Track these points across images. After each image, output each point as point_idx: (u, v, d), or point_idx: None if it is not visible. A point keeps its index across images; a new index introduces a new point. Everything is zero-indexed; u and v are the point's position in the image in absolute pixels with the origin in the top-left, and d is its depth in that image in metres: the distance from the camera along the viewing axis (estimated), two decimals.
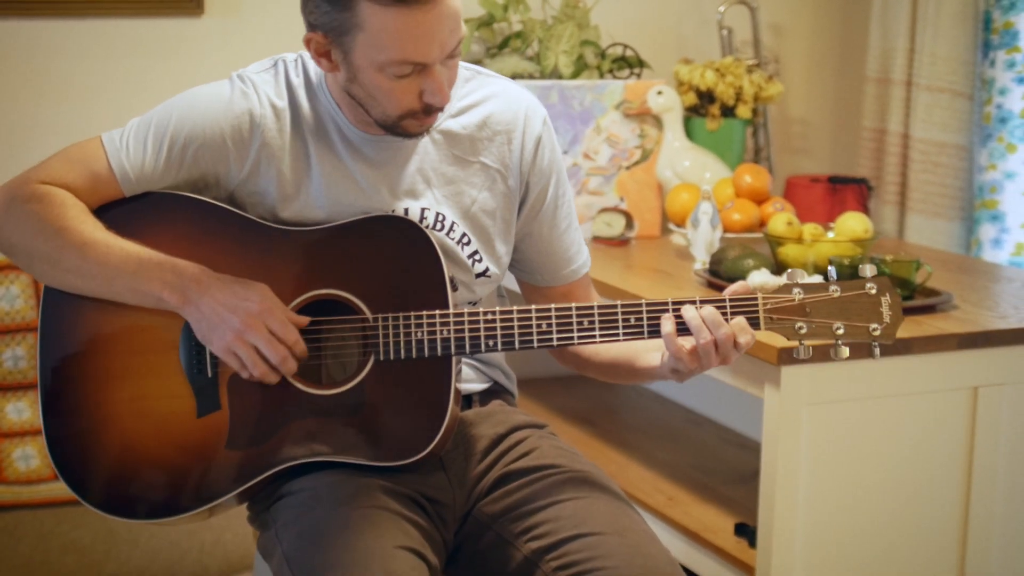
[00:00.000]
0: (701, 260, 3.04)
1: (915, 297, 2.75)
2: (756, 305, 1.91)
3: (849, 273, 2.71)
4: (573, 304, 1.94)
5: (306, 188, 2.01)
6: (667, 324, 1.90)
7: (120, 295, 1.95)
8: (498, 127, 2.08)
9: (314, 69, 2.04)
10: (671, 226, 3.41)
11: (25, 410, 3.19)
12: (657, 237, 3.47)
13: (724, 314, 1.90)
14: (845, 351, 1.92)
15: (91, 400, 1.99)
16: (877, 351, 1.93)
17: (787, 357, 2.45)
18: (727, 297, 1.91)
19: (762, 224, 3.29)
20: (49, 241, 1.95)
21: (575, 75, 3.51)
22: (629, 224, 3.39)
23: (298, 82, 2.03)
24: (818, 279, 2.70)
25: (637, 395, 3.75)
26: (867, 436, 2.61)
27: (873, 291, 1.93)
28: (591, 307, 1.93)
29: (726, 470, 3.16)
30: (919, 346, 2.56)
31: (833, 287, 1.93)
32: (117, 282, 1.94)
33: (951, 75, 3.51)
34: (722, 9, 3.73)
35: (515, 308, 1.94)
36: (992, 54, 3.52)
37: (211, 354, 1.97)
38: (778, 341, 2.44)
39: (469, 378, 2.15)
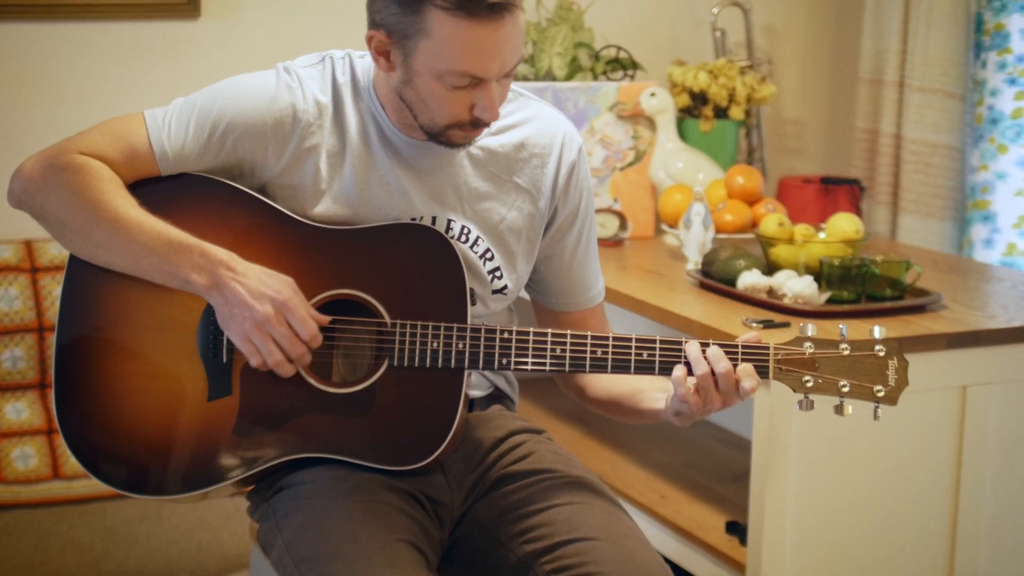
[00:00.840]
0: (693, 261, 3.06)
1: (905, 297, 2.77)
2: (767, 355, 1.93)
3: (840, 274, 2.75)
4: (589, 333, 1.96)
5: (338, 186, 2.02)
6: (678, 369, 1.92)
7: (148, 273, 1.96)
8: (535, 149, 2.10)
9: (361, 68, 2.05)
10: (664, 227, 3.43)
11: (24, 410, 3.21)
12: (651, 238, 3.49)
13: (734, 360, 1.92)
14: (850, 409, 1.94)
15: (104, 371, 2.00)
16: (878, 412, 1.96)
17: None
18: (740, 344, 1.93)
19: (754, 225, 3.31)
20: (82, 213, 1.95)
21: (569, 77, 3.53)
22: (623, 225, 3.41)
23: (344, 80, 2.04)
24: (808, 280, 2.74)
25: None
26: (856, 435, 2.63)
27: (882, 353, 1.95)
28: (606, 338, 1.95)
29: (719, 469, 3.18)
30: (908, 346, 2.56)
31: (844, 345, 1.95)
32: (146, 260, 1.95)
33: (943, 76, 3.53)
34: (715, 11, 3.75)
35: (531, 330, 1.96)
36: (984, 55, 3.55)
37: (228, 340, 1.98)
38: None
39: (472, 383, 2.16)
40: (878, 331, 1.96)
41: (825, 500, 2.63)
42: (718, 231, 3.28)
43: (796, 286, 2.72)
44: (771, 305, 2.72)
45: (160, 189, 2.02)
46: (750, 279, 2.80)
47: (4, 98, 3.35)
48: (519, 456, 2.10)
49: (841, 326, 1.99)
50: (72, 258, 2.03)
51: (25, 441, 3.18)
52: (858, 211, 3.54)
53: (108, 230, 1.95)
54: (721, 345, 1.92)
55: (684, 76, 3.57)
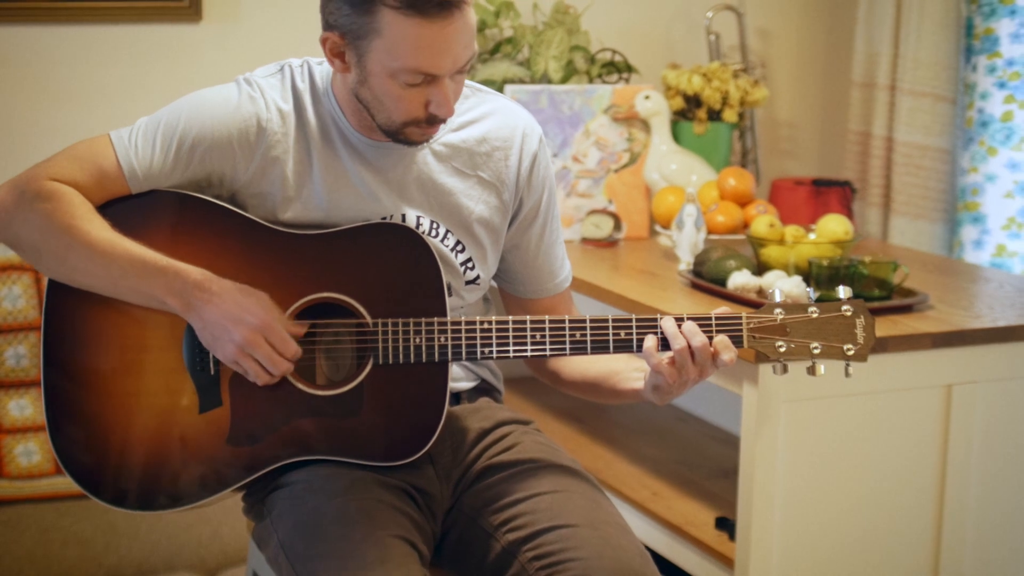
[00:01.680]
0: (685, 261, 3.08)
1: (893, 297, 2.80)
2: (740, 324, 1.99)
3: (828, 275, 2.78)
4: (567, 317, 2.00)
5: (308, 191, 2.05)
6: (649, 340, 1.96)
7: (125, 295, 1.99)
8: (496, 143, 2.13)
9: (319, 75, 2.08)
10: (657, 228, 3.45)
11: (27, 407, 3.22)
12: (645, 238, 3.52)
13: (708, 331, 1.97)
14: (822, 368, 2.00)
15: (93, 394, 2.02)
16: (849, 370, 2.01)
17: (764, 356, 2.51)
18: (712, 315, 1.98)
19: (745, 226, 3.34)
20: (57, 239, 1.97)
21: (565, 80, 3.56)
22: (617, 226, 3.45)
23: (303, 87, 2.07)
24: (797, 280, 2.76)
25: None
26: (843, 432, 2.66)
27: (849, 313, 2.02)
28: (583, 321, 1.99)
29: (709, 465, 3.20)
30: (894, 345, 2.61)
31: (812, 308, 2.01)
32: (122, 283, 1.97)
33: (934, 80, 3.55)
34: (710, 15, 3.78)
35: (511, 318, 2.00)
36: (974, 59, 3.57)
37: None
38: None
39: (458, 376, 2.20)
40: (843, 291, 2.02)
41: (812, 497, 2.66)
42: (710, 232, 3.31)
43: (785, 286, 2.74)
44: (760, 305, 2.73)
45: (132, 207, 2.04)
46: (740, 279, 2.83)
47: (8, 99, 3.36)
48: (504, 447, 2.14)
49: (808, 289, 2.05)
50: (50, 285, 2.03)
51: (28, 437, 3.20)
52: (849, 212, 3.57)
53: (83, 255, 1.97)
54: (695, 318, 1.97)
55: (678, 79, 3.59)
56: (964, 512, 2.75)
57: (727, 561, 2.72)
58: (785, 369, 2.01)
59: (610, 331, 1.99)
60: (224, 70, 3.36)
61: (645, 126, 3.52)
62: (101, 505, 3.07)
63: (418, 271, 2.01)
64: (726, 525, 2.81)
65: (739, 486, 2.64)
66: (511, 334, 2.00)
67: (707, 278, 2.92)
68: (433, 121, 1.99)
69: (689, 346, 1.95)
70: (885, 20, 3.64)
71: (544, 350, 2.00)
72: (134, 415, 2.03)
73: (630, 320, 1.99)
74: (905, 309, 2.77)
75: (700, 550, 2.80)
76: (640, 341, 1.98)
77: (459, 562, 2.11)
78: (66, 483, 3.16)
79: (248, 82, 2.07)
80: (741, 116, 3.69)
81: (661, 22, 3.88)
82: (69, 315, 2.03)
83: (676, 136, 3.59)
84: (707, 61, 3.82)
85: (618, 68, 3.67)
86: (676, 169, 3.50)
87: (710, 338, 1.96)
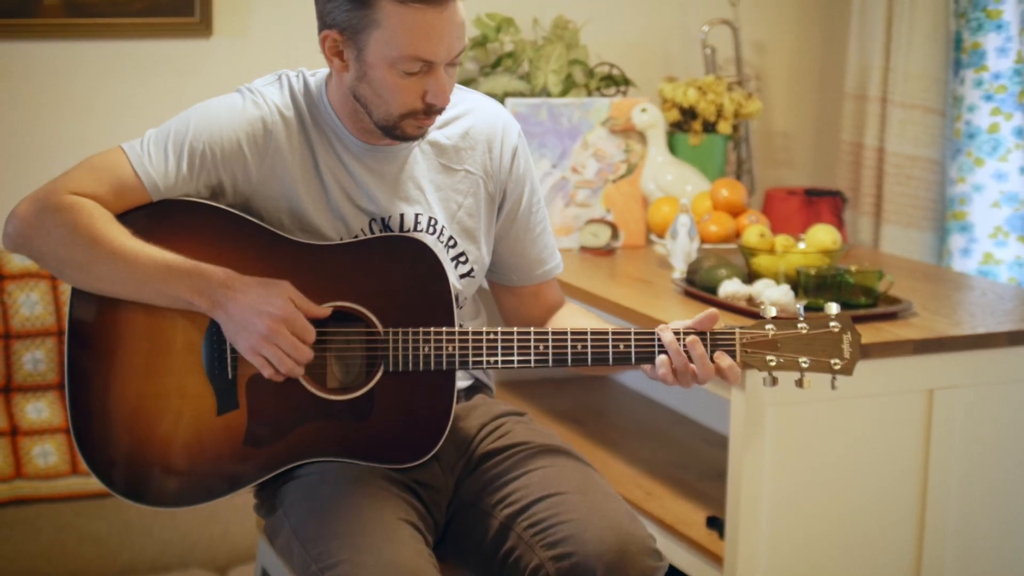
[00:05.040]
0: (679, 269, 3.15)
1: (878, 305, 2.86)
2: (734, 339, 2.07)
3: (816, 283, 2.84)
4: (568, 329, 2.07)
5: (316, 192, 2.12)
6: (662, 367, 2.05)
7: (150, 299, 2.03)
8: (479, 137, 2.21)
9: (314, 83, 2.15)
10: (653, 237, 3.51)
11: (44, 410, 3.27)
12: (642, 247, 3.58)
13: (705, 344, 2.05)
14: (809, 382, 2.08)
15: (114, 395, 2.07)
16: (835, 383, 2.09)
17: (756, 368, 2.58)
18: (708, 332, 2.06)
19: (737, 235, 3.39)
20: (80, 251, 2.01)
21: (564, 93, 3.62)
22: (615, 234, 3.50)
23: (300, 95, 2.14)
24: (785, 288, 2.83)
25: (623, 396, 3.82)
26: (828, 435, 2.72)
27: (836, 329, 2.09)
28: (584, 333, 2.07)
29: (701, 467, 3.25)
30: (877, 351, 2.66)
31: (801, 324, 2.09)
32: (147, 288, 2.02)
33: (923, 92, 3.58)
34: (706, 29, 3.82)
35: (515, 329, 2.07)
36: (962, 73, 3.60)
37: (231, 357, 2.06)
38: None
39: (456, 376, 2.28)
40: (832, 307, 2.10)
41: (798, 497, 2.71)
42: (703, 241, 3.37)
43: (774, 294, 2.82)
44: (750, 312, 2.81)
45: (149, 216, 2.08)
46: (730, 287, 2.89)
47: (28, 114, 3.41)
48: (500, 435, 2.21)
49: (798, 305, 2.12)
50: (74, 291, 2.08)
51: (45, 439, 3.25)
52: (840, 222, 3.62)
53: (108, 264, 2.02)
54: (692, 333, 2.06)
55: (674, 92, 3.65)
56: (946, 510, 2.80)
57: (717, 558, 2.78)
58: (775, 381, 2.08)
59: (609, 344, 2.07)
60: (234, 83, 3.34)
61: (642, 138, 3.58)
62: (116, 504, 3.21)
63: (428, 283, 2.08)
64: (716, 524, 2.86)
65: (728, 486, 2.71)
66: (516, 345, 2.07)
67: (699, 286, 2.98)
68: (430, 112, 2.06)
69: (689, 359, 2.04)
70: (876, 34, 3.68)
71: (546, 361, 2.08)
72: (154, 416, 2.08)
73: (629, 333, 2.07)
74: (890, 316, 2.83)
75: (691, 548, 2.86)
76: (639, 354, 2.06)
77: (461, 547, 2.17)
78: (82, 483, 3.21)
79: (250, 90, 2.14)
80: (735, 128, 3.75)
81: (658, 36, 3.93)
82: (92, 320, 2.08)
83: (672, 147, 3.65)
84: (703, 74, 3.87)
85: (616, 81, 3.74)
86: (672, 180, 3.56)
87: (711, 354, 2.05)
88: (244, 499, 3.22)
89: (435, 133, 2.19)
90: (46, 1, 3.35)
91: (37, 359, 3.29)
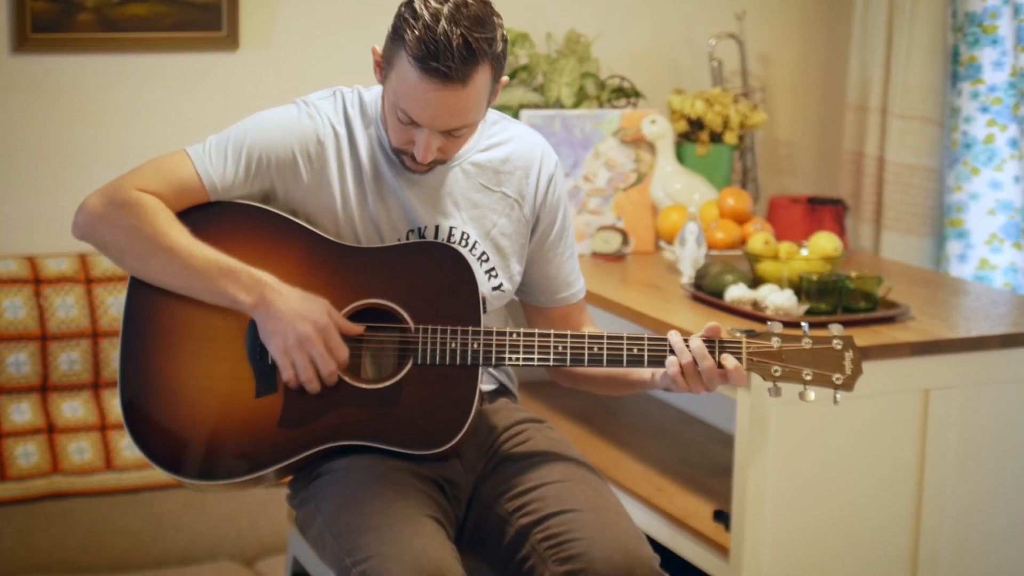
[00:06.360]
0: (687, 275, 3.23)
1: (877, 309, 2.93)
2: (740, 348, 2.17)
3: (818, 289, 2.90)
4: (586, 332, 2.18)
5: (359, 202, 2.24)
6: (672, 366, 2.16)
7: (200, 294, 2.17)
8: (518, 163, 2.32)
9: (368, 100, 2.27)
10: (662, 243, 3.58)
11: (79, 408, 3.33)
12: (651, 253, 3.63)
13: (713, 352, 2.16)
14: (812, 395, 2.17)
15: (163, 374, 2.20)
16: (837, 397, 2.19)
17: (760, 376, 2.63)
18: (717, 341, 2.17)
19: (743, 242, 3.46)
20: (140, 243, 2.15)
21: (576, 105, 3.69)
22: (625, 241, 3.57)
23: (354, 113, 2.26)
24: (789, 293, 2.91)
25: (633, 397, 3.82)
26: (829, 432, 2.79)
27: (839, 347, 2.18)
28: (600, 336, 2.18)
29: (708, 464, 3.30)
30: (876, 353, 2.74)
31: (806, 339, 2.18)
32: (198, 284, 2.16)
33: (922, 104, 3.64)
34: (713, 42, 3.88)
35: (536, 331, 2.19)
36: (959, 85, 3.66)
37: None
38: None
39: (482, 379, 2.37)
40: (835, 328, 2.19)
41: (800, 492, 2.79)
42: (710, 248, 3.44)
43: (777, 299, 2.90)
44: (755, 316, 2.88)
45: (207, 217, 2.22)
46: (736, 292, 2.97)
47: (64, 122, 3.46)
48: (519, 442, 2.31)
49: (803, 324, 2.21)
50: (132, 280, 2.22)
51: (81, 436, 3.31)
52: (842, 228, 3.68)
53: (164, 257, 2.16)
54: (705, 341, 2.15)
55: (682, 104, 3.71)
56: (941, 504, 2.87)
57: (723, 550, 2.84)
58: (779, 392, 2.17)
59: (624, 347, 2.18)
60: (260, 94, 3.55)
61: (651, 148, 3.64)
62: (149, 499, 3.30)
63: (458, 285, 2.20)
64: (723, 517, 2.93)
65: (734, 482, 2.78)
66: (536, 345, 2.18)
67: (706, 291, 3.06)
68: (414, 159, 2.18)
69: (695, 363, 2.14)
70: (877, 48, 3.74)
71: (564, 361, 2.18)
72: (198, 397, 2.19)
73: (642, 339, 2.18)
74: (888, 320, 2.91)
75: (699, 540, 2.93)
76: (651, 357, 2.17)
77: (478, 545, 2.28)
78: (116, 478, 3.29)
79: (306, 103, 2.26)
80: (741, 138, 3.80)
81: (666, 49, 3.98)
82: (146, 307, 2.21)
83: (680, 157, 3.70)
84: (710, 86, 3.91)
85: (626, 93, 3.79)
86: (680, 188, 3.62)
87: (717, 362, 2.15)
88: (270, 494, 3.34)
89: (478, 156, 2.29)
90: (81, 16, 3.41)
91: (72, 360, 3.34)
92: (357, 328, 2.18)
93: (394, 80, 2.13)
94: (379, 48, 2.19)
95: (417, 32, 2.06)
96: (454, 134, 2.17)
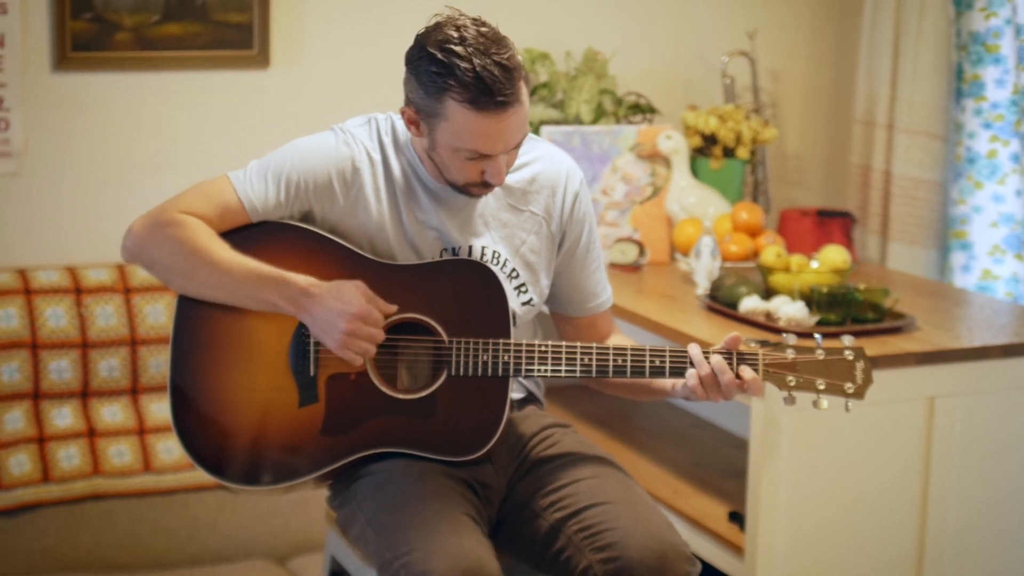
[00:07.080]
0: (702, 286, 3.31)
1: (885, 320, 3.01)
2: (757, 360, 2.26)
3: (828, 300, 2.97)
4: (611, 345, 2.26)
5: (393, 224, 2.33)
6: (692, 378, 2.25)
7: (244, 303, 2.27)
8: (545, 182, 2.41)
9: (401, 127, 2.35)
10: (677, 255, 3.65)
11: (118, 413, 3.39)
12: (666, 264, 3.69)
13: (730, 363, 2.24)
14: (825, 403, 2.25)
15: (211, 385, 2.30)
16: (849, 405, 2.27)
17: (775, 386, 2.67)
18: (734, 353, 2.26)
19: (756, 255, 3.53)
20: (186, 260, 2.25)
21: (594, 121, 3.76)
22: (641, 252, 3.63)
23: (388, 140, 2.35)
24: (800, 305, 2.98)
25: (650, 403, 3.86)
26: (839, 437, 2.87)
27: (850, 357, 2.27)
28: (624, 349, 2.26)
29: (723, 467, 3.36)
30: (883, 362, 2.81)
31: (819, 351, 2.26)
32: (241, 293, 2.25)
33: (927, 120, 3.70)
34: (725, 59, 3.95)
35: (564, 344, 2.27)
36: (963, 102, 3.72)
37: (314, 357, 2.27)
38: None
39: (511, 388, 2.44)
40: (846, 339, 2.28)
41: (812, 494, 2.86)
42: (724, 260, 3.52)
43: (790, 310, 2.98)
44: (768, 327, 2.96)
45: (248, 235, 2.30)
46: (750, 304, 3.05)
47: (101, 139, 3.52)
48: (549, 444, 2.40)
49: (816, 336, 2.29)
50: (180, 297, 2.32)
51: (120, 439, 3.37)
52: (850, 240, 3.74)
53: (208, 271, 2.26)
54: (720, 353, 2.25)
55: (696, 120, 3.78)
56: (945, 504, 2.94)
57: (738, 550, 2.91)
58: (793, 400, 2.25)
59: (647, 359, 2.27)
60: (290, 111, 3.63)
61: (667, 163, 3.71)
62: (184, 500, 3.36)
63: (489, 300, 2.28)
64: (737, 518, 2.99)
65: (748, 484, 2.86)
66: (564, 357, 2.28)
67: (721, 302, 3.14)
68: (487, 185, 2.27)
69: (714, 375, 2.24)
70: (884, 65, 3.79)
71: (591, 373, 2.28)
72: (243, 406, 2.29)
73: (664, 351, 2.27)
74: (895, 330, 2.98)
75: (715, 540, 2.99)
76: (672, 368, 2.25)
77: (513, 542, 2.37)
78: (154, 480, 3.35)
79: (342, 130, 2.35)
80: (753, 153, 3.87)
81: (681, 67, 4.04)
82: (194, 322, 2.30)
83: (694, 171, 3.77)
84: (723, 102, 3.98)
85: (642, 110, 3.86)
86: (694, 202, 3.70)
87: (736, 374, 2.24)
88: (302, 495, 3.38)
89: (507, 178, 2.36)
90: (119, 36, 3.48)
91: (112, 367, 3.39)
92: (391, 307, 2.26)
93: (446, 130, 2.19)
94: (408, 109, 2.24)
95: (458, 78, 2.14)
96: (516, 147, 2.25)
